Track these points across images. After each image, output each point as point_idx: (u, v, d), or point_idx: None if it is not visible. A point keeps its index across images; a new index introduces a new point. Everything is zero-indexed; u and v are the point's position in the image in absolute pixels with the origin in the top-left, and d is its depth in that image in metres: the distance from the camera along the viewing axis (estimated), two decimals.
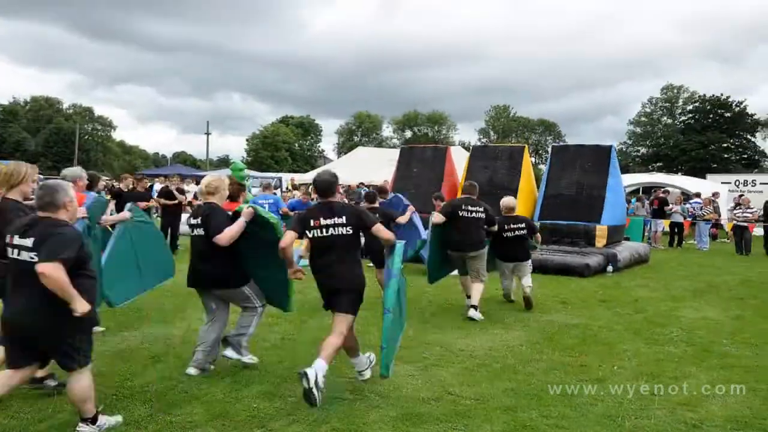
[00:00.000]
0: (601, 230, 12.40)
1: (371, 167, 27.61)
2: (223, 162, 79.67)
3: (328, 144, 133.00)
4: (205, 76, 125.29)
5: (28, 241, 3.69)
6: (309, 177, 30.12)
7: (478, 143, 69.53)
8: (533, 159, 76.61)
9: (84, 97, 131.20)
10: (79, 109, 75.42)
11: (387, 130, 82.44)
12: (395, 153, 19.00)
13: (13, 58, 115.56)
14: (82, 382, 3.87)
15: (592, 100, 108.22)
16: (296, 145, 74.56)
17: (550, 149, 14.51)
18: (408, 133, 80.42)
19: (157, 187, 19.06)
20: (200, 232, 5.14)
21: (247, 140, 73.38)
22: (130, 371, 5.23)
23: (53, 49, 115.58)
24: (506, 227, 8.40)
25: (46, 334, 3.72)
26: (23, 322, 3.73)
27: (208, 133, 53.55)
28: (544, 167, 15.76)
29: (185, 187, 16.78)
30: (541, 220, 12.73)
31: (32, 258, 3.64)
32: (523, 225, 8.49)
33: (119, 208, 12.04)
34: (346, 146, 73.52)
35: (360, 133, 79.66)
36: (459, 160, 16.27)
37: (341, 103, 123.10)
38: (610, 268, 11.87)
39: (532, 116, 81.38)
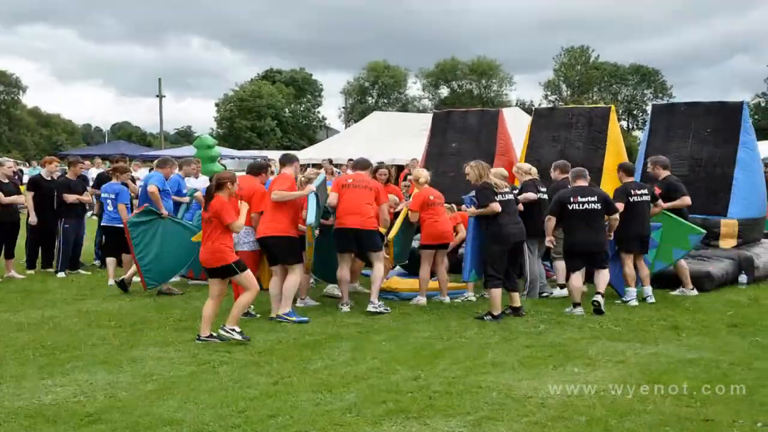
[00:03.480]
0: (728, 226, 12.19)
1: (393, 140, 27.54)
2: (184, 136, 79.99)
3: (331, 108, 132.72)
4: (149, 14, 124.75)
5: None
6: (307, 156, 30.14)
7: (544, 104, 69.00)
8: (625, 123, 75.96)
9: None
10: None
11: (414, 88, 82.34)
12: (427, 119, 18.93)
13: None
14: None
15: (712, 34, 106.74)
16: (286, 110, 74.72)
17: (650, 110, 14.29)
18: (444, 91, 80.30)
19: (93, 173, 19.28)
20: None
21: (216, 105, 73.68)
22: None
23: None
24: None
25: None
26: None
27: (160, 96, 53.64)
28: (640, 135, 15.55)
29: (134, 173, 16.91)
30: None
31: None
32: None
33: (39, 201, 12.19)
34: (356, 111, 73.76)
35: (376, 91, 79.52)
36: (518, 129, 16.15)
37: (348, 50, 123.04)
38: (743, 277, 11.67)
39: (623, 61, 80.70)
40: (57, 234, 12.37)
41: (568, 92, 78.36)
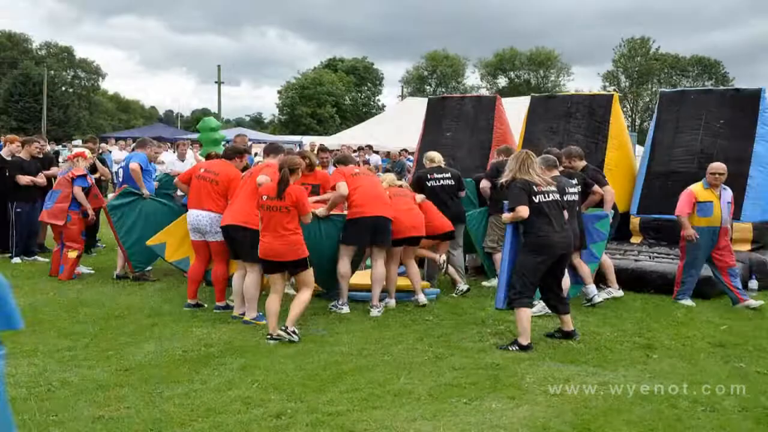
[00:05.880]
0: (741, 231, 10.91)
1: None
2: (258, 122, 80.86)
3: (391, 96, 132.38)
4: (231, 5, 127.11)
5: None
6: (336, 141, 29.20)
7: (607, 89, 67.08)
8: None
9: (65, 33, 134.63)
10: (54, 50, 76.80)
11: (473, 77, 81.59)
12: None
13: None
14: None
15: None
16: (346, 98, 74.50)
17: (657, 98, 12.84)
18: (502, 81, 79.52)
19: (116, 154, 18.40)
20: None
21: (279, 92, 73.83)
22: None
23: None
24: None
25: None
26: None
27: (219, 82, 53.78)
28: None
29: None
30: (641, 214, 11.37)
31: None
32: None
33: None
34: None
35: (434, 80, 78.77)
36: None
37: (409, 40, 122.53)
38: (753, 283, 10.53)
39: (685, 53, 78.09)
40: (9, 218, 11.27)
41: (627, 83, 76.49)
